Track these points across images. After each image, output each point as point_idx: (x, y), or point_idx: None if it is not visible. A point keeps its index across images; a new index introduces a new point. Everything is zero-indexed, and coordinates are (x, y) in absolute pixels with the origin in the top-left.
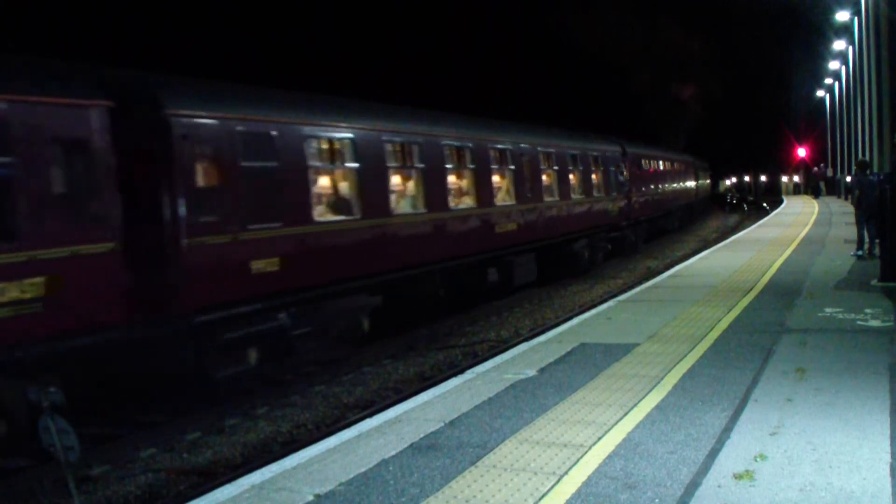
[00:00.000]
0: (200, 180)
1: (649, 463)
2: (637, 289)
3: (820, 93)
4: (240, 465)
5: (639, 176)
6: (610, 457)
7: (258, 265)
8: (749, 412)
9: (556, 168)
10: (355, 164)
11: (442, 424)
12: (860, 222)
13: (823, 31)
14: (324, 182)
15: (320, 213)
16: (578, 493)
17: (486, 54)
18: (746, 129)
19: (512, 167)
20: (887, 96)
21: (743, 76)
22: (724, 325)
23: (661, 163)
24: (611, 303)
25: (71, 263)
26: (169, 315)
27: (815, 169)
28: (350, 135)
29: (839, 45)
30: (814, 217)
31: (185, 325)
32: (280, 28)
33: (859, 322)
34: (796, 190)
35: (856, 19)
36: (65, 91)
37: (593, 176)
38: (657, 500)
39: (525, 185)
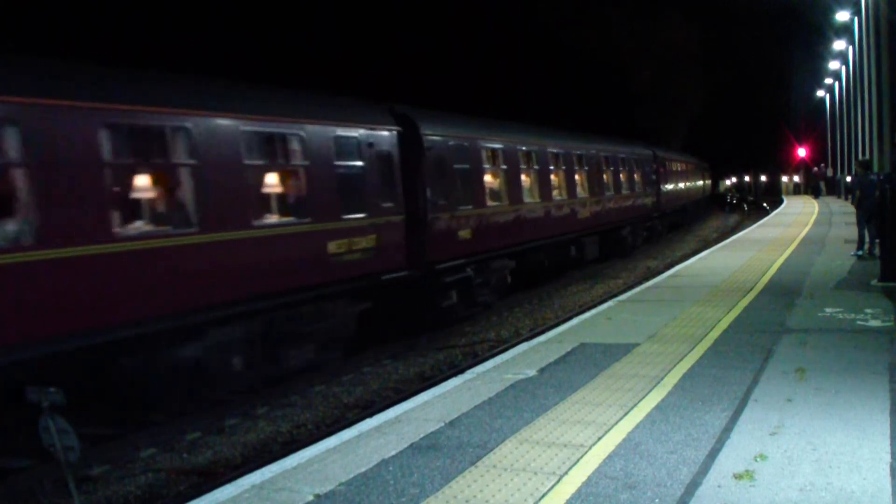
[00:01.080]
0: (435, 177)
1: (649, 463)
2: (637, 289)
3: (820, 93)
4: (240, 465)
5: (665, 176)
6: (610, 457)
7: (461, 234)
8: (749, 412)
9: (611, 168)
10: (504, 167)
11: (442, 424)
12: (860, 222)
13: (823, 31)
14: (488, 178)
15: (488, 200)
16: (578, 493)
17: (486, 54)
18: (746, 129)
19: (586, 168)
20: (887, 96)
21: (743, 76)
22: (724, 325)
23: (679, 165)
24: (611, 303)
25: (386, 227)
26: (421, 264)
27: (816, 169)
28: (500, 146)
29: (839, 45)
30: (814, 217)
31: (430, 271)
32: (280, 28)
33: (859, 322)
34: (796, 190)
35: (856, 19)
36: (383, 123)
37: (635, 175)
38: (657, 500)
39: (593, 182)
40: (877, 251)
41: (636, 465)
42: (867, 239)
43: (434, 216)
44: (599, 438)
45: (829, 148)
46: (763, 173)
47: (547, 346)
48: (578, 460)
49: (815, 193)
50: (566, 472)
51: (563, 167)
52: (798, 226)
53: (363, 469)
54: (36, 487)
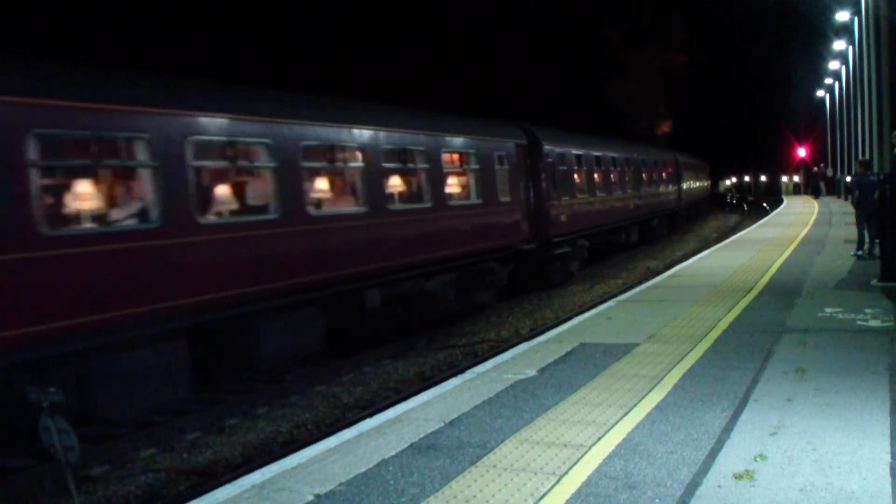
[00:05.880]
0: (683, 175)
1: (649, 463)
2: (637, 289)
3: (820, 93)
4: (240, 465)
5: (712, 176)
6: (610, 457)
7: (684, 199)
8: (749, 412)
9: (691, 172)
10: (692, 173)
11: (442, 424)
12: (860, 222)
13: (823, 31)
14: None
15: (683, 185)
16: (578, 493)
17: (485, 54)
18: (746, 129)
19: (675, 174)
20: (887, 96)
21: (743, 76)
22: (724, 324)
23: (709, 169)
24: (611, 303)
25: (675, 192)
26: (678, 208)
27: (815, 169)
28: (691, 162)
29: (839, 45)
30: (814, 217)
31: (682, 210)
32: (280, 28)
33: (859, 322)
34: (796, 190)
35: (856, 19)
36: (669, 155)
37: (696, 176)
38: (657, 500)
39: (684, 182)
40: (877, 251)
41: (636, 465)
42: (867, 239)
43: (683, 192)
44: (599, 438)
45: (829, 148)
46: (763, 173)
47: (547, 346)
48: (578, 460)
49: (815, 193)
50: (566, 472)
51: (696, 173)
52: (798, 226)
53: (363, 469)
54: (36, 487)
